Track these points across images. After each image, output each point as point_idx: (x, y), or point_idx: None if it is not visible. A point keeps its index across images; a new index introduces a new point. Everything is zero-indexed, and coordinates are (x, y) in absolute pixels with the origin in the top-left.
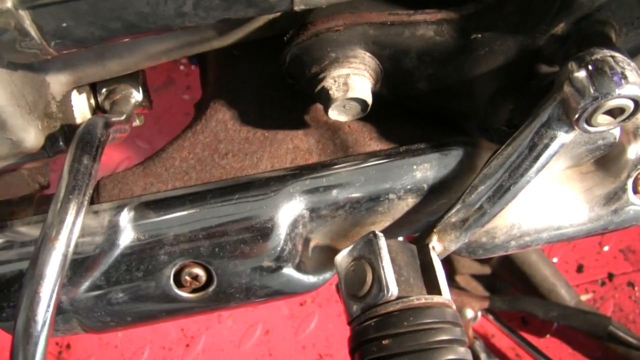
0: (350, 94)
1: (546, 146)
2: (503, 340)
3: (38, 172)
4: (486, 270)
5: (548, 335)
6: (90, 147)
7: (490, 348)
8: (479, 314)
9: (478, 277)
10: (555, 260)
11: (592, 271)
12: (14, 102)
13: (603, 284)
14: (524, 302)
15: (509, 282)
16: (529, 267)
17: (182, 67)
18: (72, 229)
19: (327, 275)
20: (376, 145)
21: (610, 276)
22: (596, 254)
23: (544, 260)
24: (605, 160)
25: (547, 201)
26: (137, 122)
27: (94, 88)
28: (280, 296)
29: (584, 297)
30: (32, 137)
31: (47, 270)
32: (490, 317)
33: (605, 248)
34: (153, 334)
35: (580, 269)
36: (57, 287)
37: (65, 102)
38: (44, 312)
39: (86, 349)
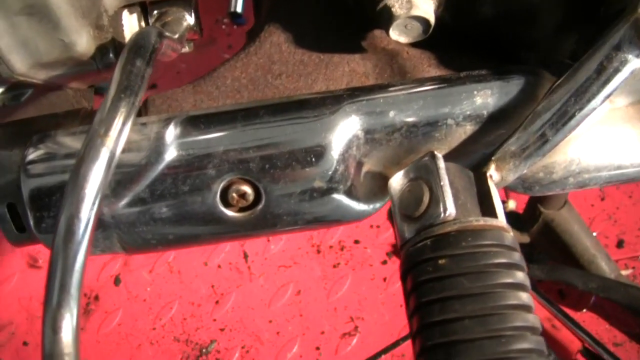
0: (414, 12)
1: (616, 70)
2: (539, 311)
3: (82, 96)
4: (525, 239)
5: (585, 310)
6: (144, 51)
7: None
8: None
9: None
10: (595, 234)
11: (633, 247)
12: (69, 1)
13: None
14: (563, 272)
15: (548, 252)
16: (570, 236)
17: (223, 27)
18: (122, 128)
19: (378, 204)
20: (435, 72)
21: None
22: (637, 229)
23: (585, 230)
24: None
25: (608, 139)
26: (186, 49)
27: (145, 10)
28: (328, 222)
29: (623, 273)
30: (83, 41)
31: (95, 167)
32: None
33: None
34: (183, 289)
35: (620, 244)
36: (103, 186)
37: (115, 19)
38: (88, 210)
39: (114, 302)
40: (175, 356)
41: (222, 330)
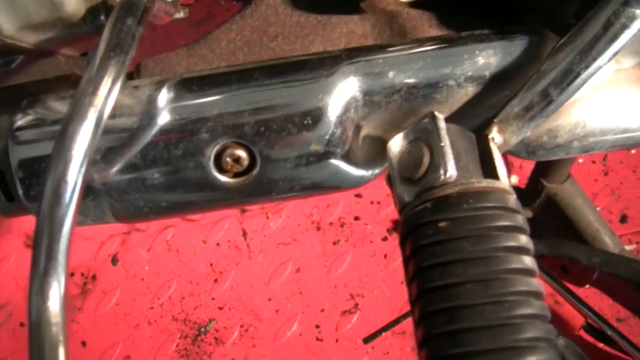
0: None
1: (624, 26)
2: (542, 287)
3: (74, 64)
4: (527, 213)
5: (588, 285)
6: (135, 10)
7: None
8: None
9: None
10: (598, 209)
11: (636, 222)
12: None
13: None
14: (566, 246)
15: (551, 227)
16: (574, 211)
17: (222, 2)
18: (111, 87)
19: (377, 170)
20: (435, 32)
21: None
22: None
23: (588, 205)
24: None
25: (614, 101)
26: (180, 14)
27: None
28: (326, 188)
29: (627, 248)
30: (73, 0)
31: (82, 127)
32: None
33: None
34: (181, 267)
35: (624, 219)
36: (91, 147)
37: None
38: (76, 172)
39: (112, 281)
40: (174, 335)
41: (220, 309)
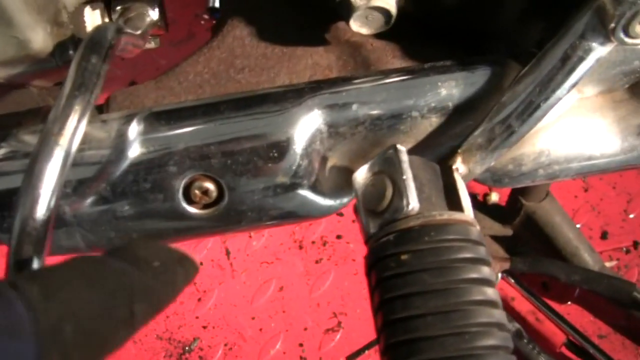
0: (374, 3)
1: (580, 59)
2: (523, 304)
3: (48, 94)
4: (507, 231)
5: (569, 302)
6: (100, 47)
7: (510, 311)
8: (499, 275)
9: (499, 239)
10: (578, 226)
11: (617, 238)
12: None
13: (628, 251)
14: (546, 264)
15: (530, 245)
16: (552, 228)
17: (202, 22)
18: (77, 126)
19: (345, 199)
20: (399, 64)
21: (636, 244)
22: (621, 221)
23: (568, 222)
24: None
25: (578, 129)
26: (151, 44)
27: (108, 6)
28: (294, 218)
29: (608, 264)
30: (39, 38)
31: (48, 166)
32: (511, 280)
33: (631, 215)
34: None
35: (604, 235)
36: (58, 186)
37: (77, 16)
38: (43, 210)
39: None
40: (159, 354)
41: (204, 327)
